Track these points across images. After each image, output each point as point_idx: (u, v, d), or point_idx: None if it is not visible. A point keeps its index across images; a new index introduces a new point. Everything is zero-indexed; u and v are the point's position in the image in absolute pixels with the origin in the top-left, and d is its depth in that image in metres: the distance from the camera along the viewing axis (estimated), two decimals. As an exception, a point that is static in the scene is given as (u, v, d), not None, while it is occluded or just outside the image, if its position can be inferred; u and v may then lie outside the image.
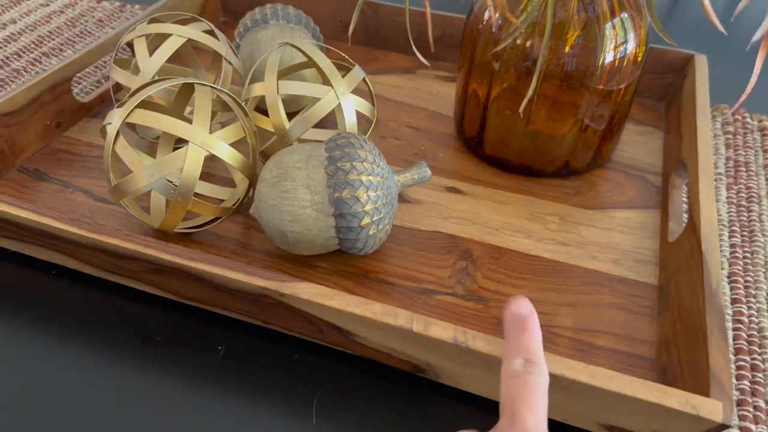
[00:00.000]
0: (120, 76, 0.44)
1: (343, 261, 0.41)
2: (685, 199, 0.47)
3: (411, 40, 0.43)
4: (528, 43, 0.44)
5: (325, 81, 0.44)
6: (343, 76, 0.44)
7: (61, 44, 0.64)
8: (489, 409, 0.34)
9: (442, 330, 0.31)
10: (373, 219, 0.37)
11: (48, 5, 0.71)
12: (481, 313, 0.38)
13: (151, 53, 0.48)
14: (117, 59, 0.48)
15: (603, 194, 0.47)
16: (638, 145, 0.52)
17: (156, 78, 0.40)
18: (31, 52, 0.63)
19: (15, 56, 0.62)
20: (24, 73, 0.59)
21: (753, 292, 0.41)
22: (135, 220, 0.43)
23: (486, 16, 0.46)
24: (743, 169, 0.51)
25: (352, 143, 0.37)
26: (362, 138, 0.38)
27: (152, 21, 0.46)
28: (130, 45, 0.56)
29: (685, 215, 0.45)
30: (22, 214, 0.36)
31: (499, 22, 0.45)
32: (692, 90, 0.50)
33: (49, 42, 0.64)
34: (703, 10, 0.32)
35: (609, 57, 0.43)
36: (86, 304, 0.39)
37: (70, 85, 0.50)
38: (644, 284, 0.40)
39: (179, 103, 0.44)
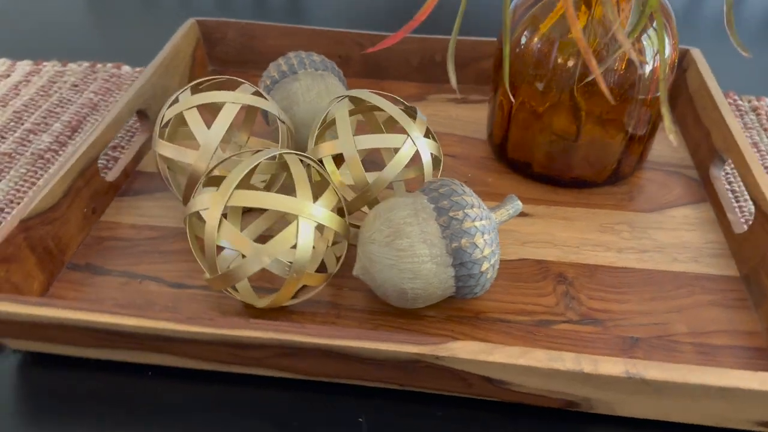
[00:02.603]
0: (169, 151, 0.42)
1: (448, 306, 0.41)
2: (727, 187, 0.50)
3: (451, 71, 0.43)
4: (570, 63, 0.45)
5: (388, 128, 0.43)
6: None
7: (44, 117, 0.59)
8: (643, 428, 0.35)
9: (612, 366, 0.31)
10: (491, 262, 0.37)
11: (9, 76, 0.65)
12: (602, 335, 0.39)
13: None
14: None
15: (654, 196, 0.49)
16: (661, 143, 0.55)
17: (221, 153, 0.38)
18: (15, 131, 0.58)
19: (-1, 138, 0.56)
20: (16, 156, 0.55)
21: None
22: (221, 301, 0.41)
23: (523, 40, 0.47)
24: (755, 149, 0.55)
25: (455, 190, 0.37)
26: (459, 183, 0.38)
27: (195, 91, 0.43)
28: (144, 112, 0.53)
29: (734, 202, 0.48)
30: (132, 322, 0.34)
31: (539, 46, 0.46)
32: (699, 83, 0.54)
33: (28, 117, 0.59)
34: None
35: (650, 67, 0.45)
36: (202, 401, 0.36)
37: (97, 165, 0.46)
38: (727, 277, 0.43)
39: (247, 175, 0.42)
